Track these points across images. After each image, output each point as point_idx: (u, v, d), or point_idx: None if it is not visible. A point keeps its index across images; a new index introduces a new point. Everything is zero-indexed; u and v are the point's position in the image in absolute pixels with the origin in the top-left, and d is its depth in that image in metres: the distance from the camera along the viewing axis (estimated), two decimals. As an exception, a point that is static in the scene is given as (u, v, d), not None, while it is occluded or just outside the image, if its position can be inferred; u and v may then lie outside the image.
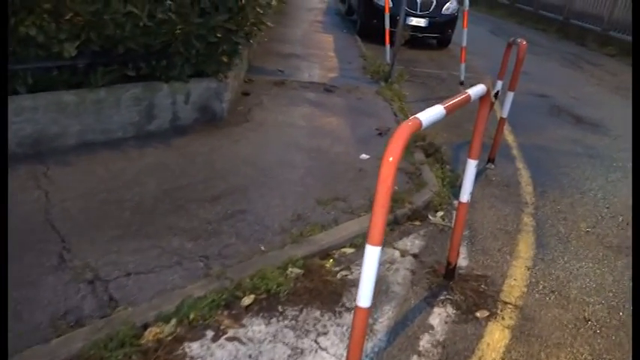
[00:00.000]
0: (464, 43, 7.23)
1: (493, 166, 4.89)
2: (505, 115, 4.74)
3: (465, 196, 2.91)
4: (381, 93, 6.55)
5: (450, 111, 2.18)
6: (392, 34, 9.94)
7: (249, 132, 4.61)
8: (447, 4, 10.33)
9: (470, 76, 8.35)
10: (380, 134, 5.14)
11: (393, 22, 10.11)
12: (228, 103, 4.72)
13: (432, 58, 9.85)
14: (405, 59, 9.27)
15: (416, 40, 10.50)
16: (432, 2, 10.18)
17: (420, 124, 1.93)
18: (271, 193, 3.70)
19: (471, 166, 2.85)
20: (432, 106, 2.16)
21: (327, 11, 14.31)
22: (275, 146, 4.45)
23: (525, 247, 3.59)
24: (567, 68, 10.53)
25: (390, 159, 1.81)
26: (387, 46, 7.78)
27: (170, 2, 3.77)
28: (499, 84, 5.54)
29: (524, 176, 4.79)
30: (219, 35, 4.09)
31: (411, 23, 10.15)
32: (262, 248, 3.08)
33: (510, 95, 4.68)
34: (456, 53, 10.12)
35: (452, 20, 10.51)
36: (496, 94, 5.60)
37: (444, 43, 10.91)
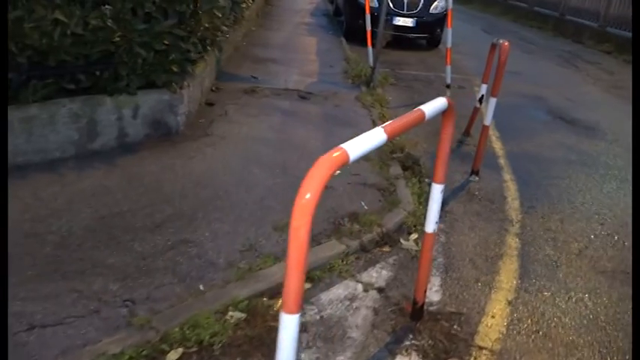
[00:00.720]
0: (449, 44, 6.82)
1: (477, 179, 4.48)
2: (488, 122, 4.34)
3: (430, 226, 2.50)
4: (360, 99, 6.15)
5: (393, 134, 1.77)
6: (376, 35, 9.60)
7: (208, 147, 4.21)
8: (435, 2, 9.93)
9: (459, 77, 7.95)
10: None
11: (378, 21, 9.77)
12: (185, 116, 4.32)
13: (421, 60, 9.45)
14: (392, 61, 8.88)
15: (404, 40, 10.11)
16: (420, 1, 9.78)
17: (347, 157, 1.53)
18: (223, 218, 3.30)
19: (436, 192, 2.44)
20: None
21: (315, 12, 13.92)
22: (234, 163, 4.05)
23: (508, 275, 3.18)
24: (562, 67, 10.12)
25: (307, 196, 1.41)
26: (370, 48, 7.37)
27: (107, 8, 3.37)
28: (484, 87, 5.14)
29: (511, 189, 4.38)
30: (166, 43, 3.68)
31: (397, 23, 9.77)
32: (201, 288, 2.68)
33: (493, 101, 4.27)
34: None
35: (441, 19, 10.09)
36: (480, 99, 5.21)
37: (433, 43, 10.51)
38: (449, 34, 6.82)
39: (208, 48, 4.58)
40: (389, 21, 9.75)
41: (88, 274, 2.65)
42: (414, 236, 3.52)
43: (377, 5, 9.84)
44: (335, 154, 1.52)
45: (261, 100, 5.60)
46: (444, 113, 2.26)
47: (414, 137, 5.24)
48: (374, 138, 1.68)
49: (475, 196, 4.19)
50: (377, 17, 9.54)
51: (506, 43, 4.11)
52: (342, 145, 1.55)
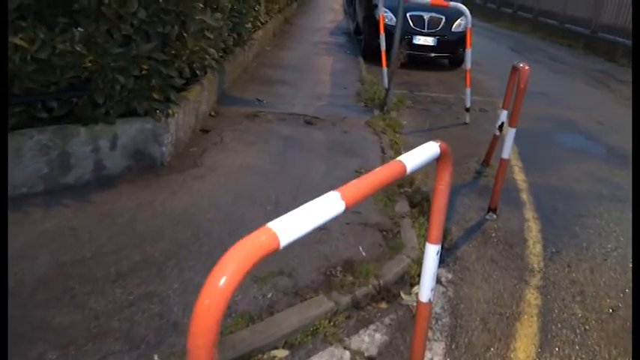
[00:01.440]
0: (468, 65, 6.37)
1: (494, 217, 4.00)
2: (506, 155, 3.86)
3: (424, 294, 2.06)
4: (371, 124, 5.74)
5: (352, 203, 1.35)
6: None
7: (195, 180, 3.85)
8: (458, 20, 9.48)
9: (482, 100, 7.49)
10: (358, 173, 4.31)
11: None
12: (173, 146, 3.98)
13: (442, 80, 9.00)
14: (411, 82, 8.48)
15: (424, 60, 9.70)
16: (441, 19, 9.35)
17: (278, 245, 1.12)
18: (197, 267, 2.91)
19: (431, 254, 2.00)
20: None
21: (335, 31, 13.63)
22: (222, 198, 3.67)
23: (525, 342, 2.70)
24: (593, 87, 9.52)
25: (206, 302, 1.01)
26: (384, 69, 6.97)
27: (79, 30, 3.06)
28: (504, 114, 4.67)
29: (533, 230, 3.88)
30: (145, 67, 3.36)
31: (417, 42, 9.37)
32: (155, 359, 2.28)
33: (512, 132, 3.80)
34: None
35: (463, 38, 9.59)
36: (500, 126, 4.74)
37: (455, 63, 10.04)
38: (468, 55, 6.37)
39: (198, 72, 4.24)
40: (409, 40, 9.37)
41: (27, 339, 2.29)
42: (417, 289, 3.06)
43: (394, 23, 9.48)
44: (262, 238, 1.10)
45: (262, 125, 5.24)
46: (438, 160, 1.84)
47: (426, 167, 4.79)
48: (326, 209, 1.26)
49: (491, 238, 3.71)
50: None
51: (526, 67, 3.65)
52: (271, 225, 1.13)
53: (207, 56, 4.02)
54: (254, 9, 6.42)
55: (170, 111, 3.66)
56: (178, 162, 4.07)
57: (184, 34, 3.61)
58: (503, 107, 4.64)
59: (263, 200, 3.73)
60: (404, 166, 1.58)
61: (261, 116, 5.47)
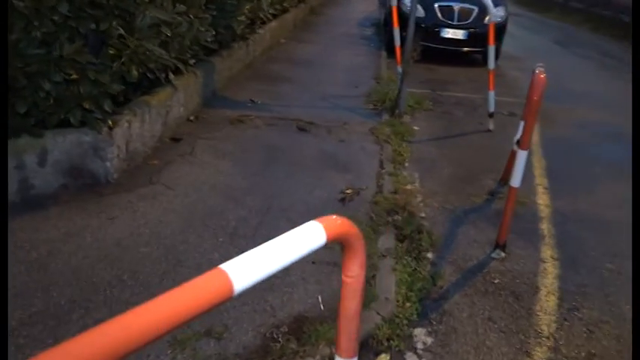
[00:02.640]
0: (491, 65, 5.55)
1: (502, 255, 3.28)
2: (516, 184, 3.12)
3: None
4: (375, 131, 5.05)
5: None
6: (425, 49, 8.42)
7: (143, 202, 3.30)
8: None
9: (514, 101, 6.63)
10: (343, 200, 3.67)
11: (424, 34, 8.57)
12: (122, 160, 3.44)
13: (472, 79, 8.15)
14: (436, 80, 7.70)
15: (455, 56, 8.85)
16: (473, 10, 8.47)
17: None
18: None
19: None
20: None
21: (364, 22, 12.84)
22: (170, 225, 3.11)
23: None
24: (647, 88, 8.41)
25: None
26: (399, 67, 6.23)
27: (-17, 26, 2.53)
28: (522, 126, 3.88)
29: (549, 276, 3.14)
30: (70, 73, 2.80)
31: (446, 36, 8.55)
32: None
33: (522, 156, 3.06)
34: (503, 70, 8.40)
35: (499, 30, 8.72)
36: (519, 141, 3.95)
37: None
38: (491, 52, 5.55)
39: (157, 74, 3.65)
40: (436, 33, 8.56)
41: None
42: (386, 358, 2.41)
43: (423, 14, 8.69)
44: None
45: (246, 132, 4.64)
46: (343, 248, 1.18)
47: (429, 184, 4.10)
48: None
49: (494, 285, 3.00)
50: (423, 29, 8.52)
51: (542, 75, 2.89)
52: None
53: (167, 58, 3.42)
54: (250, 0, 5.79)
55: (110, 122, 3.10)
56: (129, 178, 3.52)
57: (127, 32, 3.03)
58: (523, 119, 3.86)
59: (218, 228, 3.14)
60: (228, 284, 0.94)
61: (248, 121, 4.87)
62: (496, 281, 3.04)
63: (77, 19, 2.78)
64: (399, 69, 6.24)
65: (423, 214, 3.71)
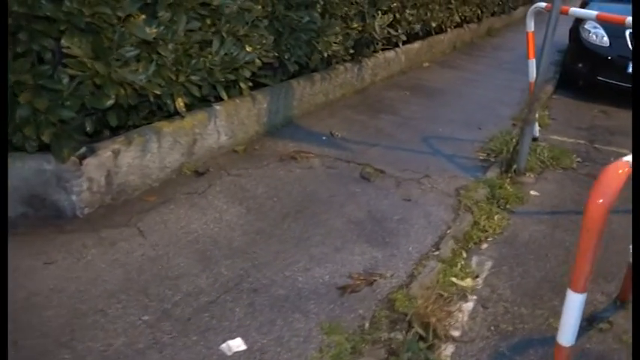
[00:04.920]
0: (532, 77, 3.95)
1: None
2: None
3: None
4: (463, 192, 3.87)
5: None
6: (604, 87, 6.76)
7: (97, 248, 2.80)
8: None
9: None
10: (343, 290, 2.71)
11: (606, 68, 6.80)
12: (94, 194, 3.00)
13: (661, 130, 6.12)
14: (603, 127, 6.05)
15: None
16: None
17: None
18: None
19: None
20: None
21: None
22: (105, 285, 2.56)
23: None
24: None
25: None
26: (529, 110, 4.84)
27: None
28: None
29: None
30: (17, 94, 2.41)
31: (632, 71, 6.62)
32: None
33: (577, 301, 1.79)
34: None
35: None
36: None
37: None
38: (532, 68, 3.93)
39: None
40: (623, 68, 6.70)
41: None
42: None
43: (608, 44, 6.90)
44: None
45: (292, 173, 3.90)
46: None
47: (501, 284, 2.89)
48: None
49: None
50: (606, 62, 6.83)
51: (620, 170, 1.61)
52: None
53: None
54: (344, 20, 4.96)
55: (80, 150, 2.66)
56: (105, 215, 3.07)
57: (95, 52, 2.56)
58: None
59: (153, 302, 2.49)
60: None
61: (303, 159, 4.11)
62: None
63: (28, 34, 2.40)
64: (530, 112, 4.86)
65: (456, 334, 2.56)
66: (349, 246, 3.09)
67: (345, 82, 5.60)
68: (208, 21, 3.23)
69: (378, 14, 5.35)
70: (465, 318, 2.69)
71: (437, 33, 8.32)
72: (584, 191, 4.31)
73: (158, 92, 2.94)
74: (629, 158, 1.66)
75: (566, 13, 3.95)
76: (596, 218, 1.57)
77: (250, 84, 3.99)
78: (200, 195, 3.42)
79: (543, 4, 4.12)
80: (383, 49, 6.39)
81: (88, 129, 2.96)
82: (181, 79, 3.11)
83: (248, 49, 3.60)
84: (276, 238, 3.10)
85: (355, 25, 5.16)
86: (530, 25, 4.41)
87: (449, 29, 8.65)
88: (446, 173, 4.20)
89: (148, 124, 3.27)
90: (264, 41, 3.76)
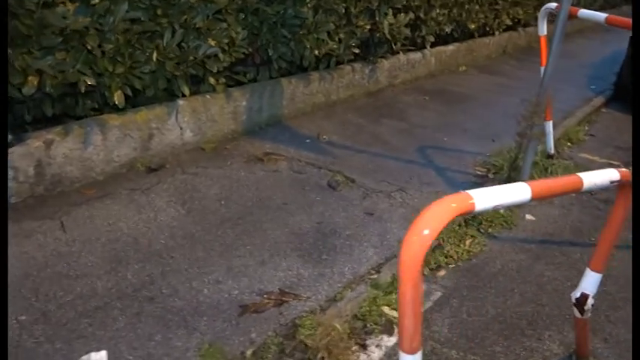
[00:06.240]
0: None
1: None
2: None
3: None
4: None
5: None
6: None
7: (14, 239, 2.74)
8: None
9: None
10: (245, 309, 2.47)
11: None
12: (22, 184, 2.95)
13: None
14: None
15: None
16: None
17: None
18: None
19: None
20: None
21: (610, 56, 9.95)
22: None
23: None
24: None
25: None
26: (547, 122, 4.33)
27: None
28: (591, 278, 2.04)
29: None
30: None
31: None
32: None
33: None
34: None
35: None
36: (580, 301, 2.12)
37: None
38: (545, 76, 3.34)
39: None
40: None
41: None
42: None
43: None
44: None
45: (254, 175, 3.68)
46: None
47: (446, 320, 2.54)
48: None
49: None
50: None
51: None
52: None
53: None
54: (347, 17, 4.62)
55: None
56: (33, 206, 3.01)
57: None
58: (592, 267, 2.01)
59: (43, 299, 2.39)
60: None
61: (271, 162, 3.88)
62: None
63: None
64: (548, 125, 4.35)
65: None
66: (277, 260, 2.84)
67: (353, 83, 5.30)
68: (159, 11, 3.08)
69: (389, 12, 4.99)
70: (376, 354, 2.36)
71: (481, 35, 7.77)
72: (591, 220, 3.78)
73: (90, 83, 2.83)
74: (473, 192, 1.31)
75: (575, 14, 3.44)
76: (412, 256, 1.23)
77: (223, 80, 3.81)
78: (143, 192, 3.30)
79: (554, 5, 3.63)
80: (407, 50, 6.01)
81: (26, 118, 2.91)
82: (119, 70, 2.99)
83: (212, 42, 3.42)
84: (204, 244, 2.91)
85: (362, 24, 4.84)
86: (543, 29, 3.91)
87: (496, 32, 8.04)
88: (427, 188, 3.82)
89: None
90: (233, 35, 3.57)
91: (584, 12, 3.53)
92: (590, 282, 2.00)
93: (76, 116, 3.20)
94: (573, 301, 2.07)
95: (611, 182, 1.68)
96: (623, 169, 1.85)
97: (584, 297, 2.02)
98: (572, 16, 3.44)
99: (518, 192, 1.39)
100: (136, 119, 3.38)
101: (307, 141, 4.34)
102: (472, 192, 1.30)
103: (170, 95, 3.66)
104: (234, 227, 3.08)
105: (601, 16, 3.39)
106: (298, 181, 3.67)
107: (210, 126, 3.89)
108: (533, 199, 1.42)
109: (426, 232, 1.23)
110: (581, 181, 1.56)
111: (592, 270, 2.00)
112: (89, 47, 2.81)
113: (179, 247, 2.86)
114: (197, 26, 3.31)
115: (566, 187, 1.56)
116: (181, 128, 3.69)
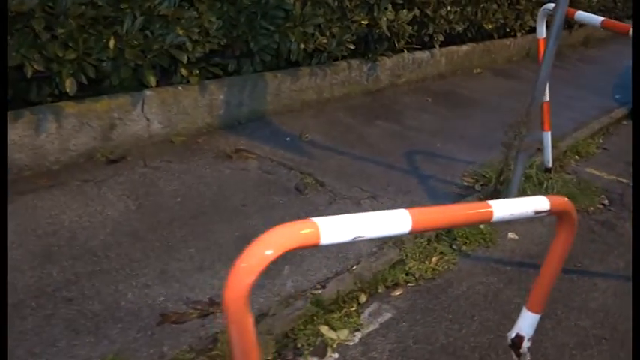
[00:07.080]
0: (545, 97, 3.06)
1: None
2: None
3: None
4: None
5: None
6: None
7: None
8: None
9: None
10: (163, 318, 2.31)
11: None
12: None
13: None
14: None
15: None
16: None
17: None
18: None
19: None
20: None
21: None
22: None
23: None
24: None
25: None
26: (545, 133, 4.01)
27: None
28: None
29: None
30: None
31: None
32: None
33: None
34: None
35: None
36: (515, 342, 1.87)
37: None
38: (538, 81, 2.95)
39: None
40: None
41: None
42: None
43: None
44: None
45: (219, 173, 3.51)
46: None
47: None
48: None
49: None
50: None
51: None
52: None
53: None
54: (341, 11, 4.37)
55: None
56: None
57: None
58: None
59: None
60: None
61: (240, 159, 3.70)
62: None
63: None
64: (546, 137, 4.04)
65: None
66: (217, 266, 2.66)
67: (349, 80, 5.07)
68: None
69: (389, 7, 4.72)
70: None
71: (501, 37, 7.40)
72: (581, 243, 3.48)
73: (38, 68, 2.71)
74: (321, 220, 1.10)
75: (572, 16, 3.14)
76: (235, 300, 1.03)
77: (197, 71, 3.65)
78: (96, 184, 3.17)
79: (552, 6, 3.32)
80: (413, 49, 5.73)
81: (-25, 101, 2.80)
82: (71, 56, 2.86)
83: (180, 32, 3.26)
84: (144, 243, 2.76)
85: (358, 18, 4.60)
86: (542, 31, 3.59)
87: (518, 33, 7.65)
88: (403, 197, 3.57)
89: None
90: (206, 25, 3.40)
91: (580, 14, 3.22)
92: (526, 323, 1.75)
93: (32, 102, 3.09)
94: (509, 341, 1.82)
95: (536, 213, 1.42)
96: (563, 198, 1.59)
97: (519, 339, 1.77)
98: (569, 18, 3.13)
99: (394, 221, 1.17)
100: (96, 108, 3.25)
101: (287, 139, 4.15)
102: (320, 220, 1.09)
103: (141, 85, 3.52)
104: (183, 227, 2.92)
105: (597, 19, 3.08)
106: (265, 182, 3.49)
107: (181, 118, 3.74)
108: (412, 231, 1.19)
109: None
110: (489, 212, 1.32)
111: (528, 310, 1.74)
112: (37, 31, 2.69)
113: (117, 245, 2.72)
114: (162, 13, 3.16)
115: (469, 218, 1.32)
116: (148, 119, 3.55)
